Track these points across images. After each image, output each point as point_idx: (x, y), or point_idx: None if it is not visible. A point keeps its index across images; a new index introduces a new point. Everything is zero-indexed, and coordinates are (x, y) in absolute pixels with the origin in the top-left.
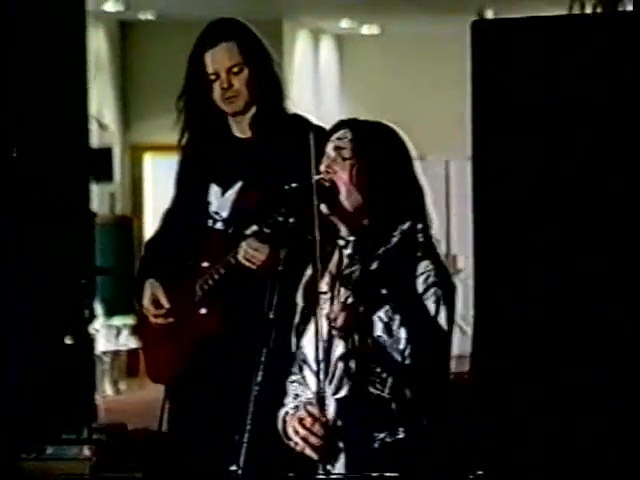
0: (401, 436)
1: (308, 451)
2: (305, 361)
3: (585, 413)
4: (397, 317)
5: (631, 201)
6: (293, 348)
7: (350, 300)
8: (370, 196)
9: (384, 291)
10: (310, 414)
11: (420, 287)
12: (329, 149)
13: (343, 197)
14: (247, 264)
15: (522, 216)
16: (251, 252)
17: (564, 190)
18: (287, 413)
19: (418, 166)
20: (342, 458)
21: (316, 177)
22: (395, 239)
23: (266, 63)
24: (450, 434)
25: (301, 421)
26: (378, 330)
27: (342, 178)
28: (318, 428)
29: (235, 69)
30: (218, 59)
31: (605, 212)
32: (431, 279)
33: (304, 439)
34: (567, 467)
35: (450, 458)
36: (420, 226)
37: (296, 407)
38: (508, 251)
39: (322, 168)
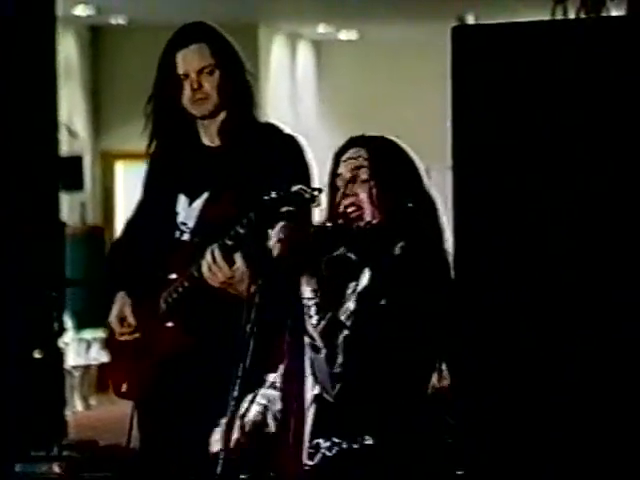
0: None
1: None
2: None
3: (569, 414)
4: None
5: (617, 203)
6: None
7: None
8: (391, 214)
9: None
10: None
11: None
12: (343, 170)
13: (368, 217)
14: (208, 278)
15: (505, 227)
16: (212, 266)
17: (548, 198)
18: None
19: (426, 177)
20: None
21: (296, 187)
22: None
23: (238, 68)
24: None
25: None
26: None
27: (361, 197)
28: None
29: (206, 70)
30: (189, 59)
31: (590, 217)
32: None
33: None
34: (552, 468)
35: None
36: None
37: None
38: (490, 261)
39: (339, 189)
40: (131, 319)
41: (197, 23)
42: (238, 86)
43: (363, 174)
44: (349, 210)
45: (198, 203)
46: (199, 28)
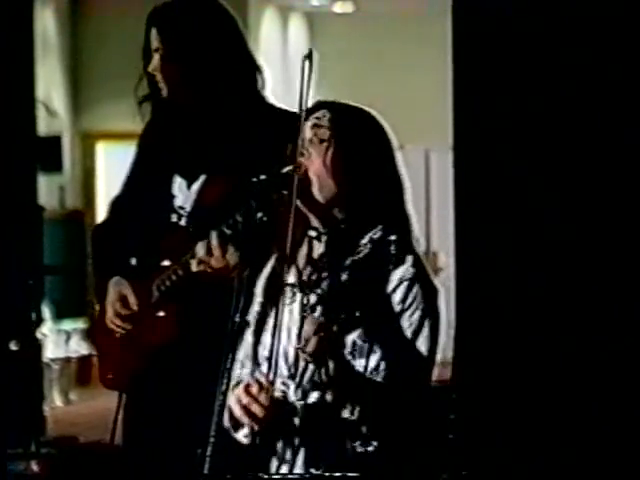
0: (372, 449)
1: (246, 421)
2: (267, 358)
3: (567, 416)
4: (369, 340)
5: (616, 194)
6: (250, 344)
7: (318, 316)
8: (345, 186)
9: (357, 312)
10: (258, 383)
11: (397, 306)
12: (306, 130)
13: (315, 185)
14: (201, 267)
15: (506, 210)
16: (205, 255)
17: (551, 180)
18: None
19: (400, 159)
20: (300, 458)
21: (287, 168)
22: (367, 248)
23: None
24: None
25: (247, 388)
26: (348, 354)
27: (315, 163)
28: (264, 398)
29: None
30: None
31: (592, 206)
32: (410, 299)
33: (246, 407)
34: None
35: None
36: (394, 236)
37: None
38: (491, 247)
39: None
40: (132, 299)
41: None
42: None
43: (323, 134)
44: (298, 176)
45: (195, 186)
46: (162, 10)
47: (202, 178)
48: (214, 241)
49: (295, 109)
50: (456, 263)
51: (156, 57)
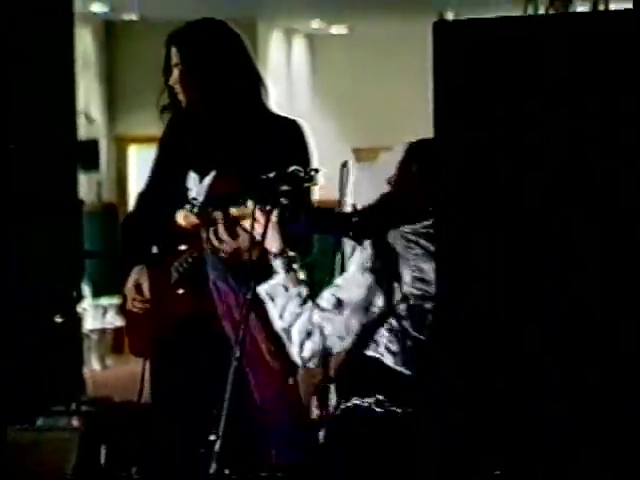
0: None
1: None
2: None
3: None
4: None
5: (596, 201)
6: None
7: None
8: None
9: None
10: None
11: None
12: None
13: None
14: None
15: (485, 213)
16: (215, 239)
17: (527, 186)
18: None
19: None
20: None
21: (292, 168)
22: None
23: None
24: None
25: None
26: None
27: None
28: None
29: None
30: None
31: (567, 211)
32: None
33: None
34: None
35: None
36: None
37: None
38: (470, 240)
39: None
40: (146, 291)
41: (192, 23)
42: (236, 78)
43: None
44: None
45: (207, 180)
46: (190, 28)
47: (212, 174)
48: (221, 228)
49: (295, 117)
50: (437, 253)
51: (175, 72)
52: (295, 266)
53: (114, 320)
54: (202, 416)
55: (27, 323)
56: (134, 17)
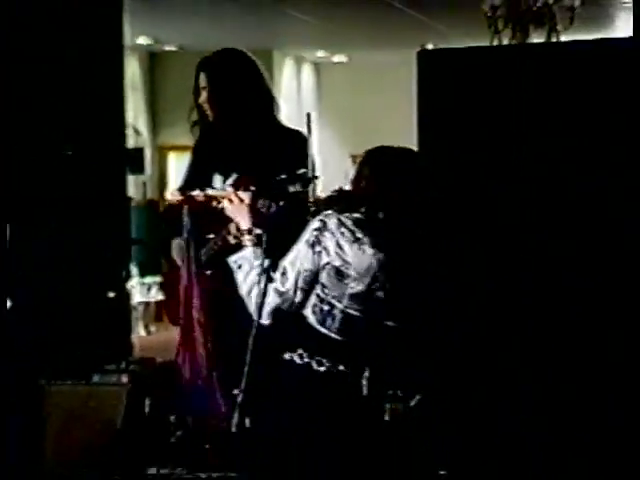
0: None
1: None
2: None
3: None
4: None
5: (573, 215)
6: None
7: None
8: None
9: None
10: None
11: None
12: None
13: None
14: (233, 240)
15: (464, 226)
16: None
17: (504, 201)
18: None
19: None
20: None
21: (302, 170)
22: None
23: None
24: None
25: None
26: None
27: None
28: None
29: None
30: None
31: (544, 225)
32: None
33: None
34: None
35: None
36: None
37: None
38: (451, 252)
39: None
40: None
41: (217, 52)
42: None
43: None
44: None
45: (229, 181)
46: (207, 60)
47: (234, 176)
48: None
49: (301, 129)
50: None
51: (204, 93)
52: (261, 241)
53: (156, 295)
54: (228, 372)
55: (86, 297)
56: (173, 48)
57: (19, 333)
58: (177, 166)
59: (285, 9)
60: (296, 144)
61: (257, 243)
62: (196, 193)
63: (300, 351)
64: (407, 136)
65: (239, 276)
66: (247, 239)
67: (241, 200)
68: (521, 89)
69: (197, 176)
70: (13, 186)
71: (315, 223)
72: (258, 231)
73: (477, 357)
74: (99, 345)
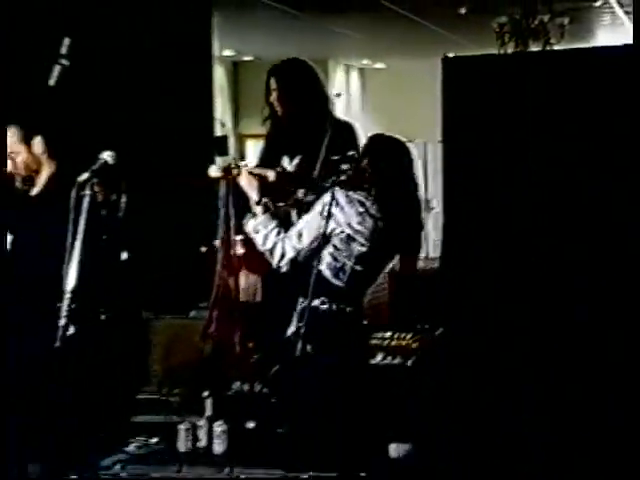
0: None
1: None
2: None
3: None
4: None
5: (584, 220)
6: None
7: None
8: None
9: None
10: None
11: None
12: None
13: None
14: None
15: (483, 171)
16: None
17: (521, 204)
18: None
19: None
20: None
21: (351, 152)
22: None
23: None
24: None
25: None
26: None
27: None
28: None
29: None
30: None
31: (555, 229)
32: None
33: None
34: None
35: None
36: None
37: None
38: (470, 193)
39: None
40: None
41: (285, 61)
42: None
43: None
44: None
45: (295, 161)
46: (276, 67)
47: (298, 157)
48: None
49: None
50: (443, 203)
51: (274, 94)
52: (271, 208)
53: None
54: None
55: (186, 252)
56: (250, 58)
57: (134, 278)
58: (254, 150)
59: (337, 27)
60: (347, 132)
61: (266, 210)
62: (234, 168)
63: (323, 298)
64: (433, 129)
65: (258, 238)
66: (258, 208)
67: (254, 177)
68: (537, 94)
69: (269, 158)
70: (135, 167)
71: (327, 197)
72: (265, 199)
73: (481, 356)
74: (195, 288)
